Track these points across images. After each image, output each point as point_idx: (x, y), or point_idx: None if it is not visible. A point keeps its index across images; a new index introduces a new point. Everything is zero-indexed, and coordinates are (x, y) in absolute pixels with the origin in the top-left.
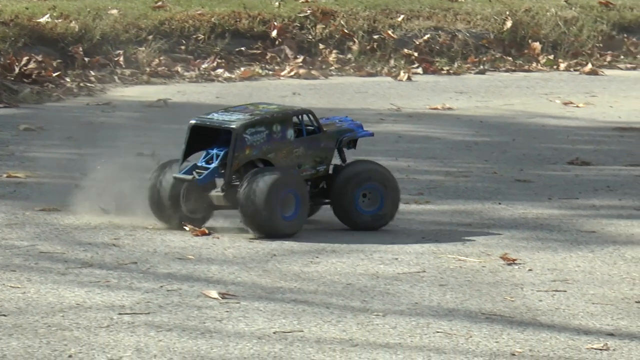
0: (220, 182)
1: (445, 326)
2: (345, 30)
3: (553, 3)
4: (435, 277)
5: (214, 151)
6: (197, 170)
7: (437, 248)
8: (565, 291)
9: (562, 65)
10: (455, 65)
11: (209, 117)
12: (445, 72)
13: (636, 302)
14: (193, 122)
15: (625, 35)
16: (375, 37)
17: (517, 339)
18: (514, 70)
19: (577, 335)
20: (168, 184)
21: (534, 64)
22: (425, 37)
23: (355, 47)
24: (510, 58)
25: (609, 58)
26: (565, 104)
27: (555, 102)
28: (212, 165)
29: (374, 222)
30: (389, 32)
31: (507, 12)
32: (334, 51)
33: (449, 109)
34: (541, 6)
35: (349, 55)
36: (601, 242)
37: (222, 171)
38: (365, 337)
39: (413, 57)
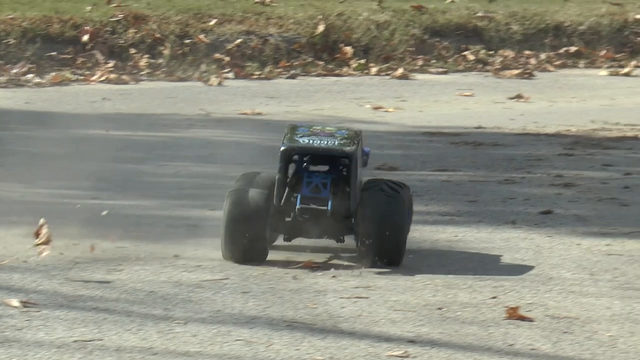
0: None
1: (246, 334)
2: (157, 35)
3: (366, 7)
4: (238, 285)
5: (317, 180)
6: (309, 200)
7: None
8: (367, 298)
9: (374, 70)
10: (267, 69)
11: (303, 142)
12: (256, 76)
13: (438, 308)
14: (286, 148)
15: (437, 39)
16: (187, 41)
17: (317, 346)
18: (325, 75)
19: (378, 342)
20: (262, 217)
21: (345, 69)
22: (237, 42)
23: (166, 52)
24: (321, 62)
25: (420, 62)
26: (375, 108)
27: (365, 106)
28: (327, 194)
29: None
30: (201, 36)
31: (320, 16)
32: (145, 56)
33: (259, 114)
34: (354, 10)
35: (160, 60)
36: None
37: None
38: (165, 346)
39: (224, 62)
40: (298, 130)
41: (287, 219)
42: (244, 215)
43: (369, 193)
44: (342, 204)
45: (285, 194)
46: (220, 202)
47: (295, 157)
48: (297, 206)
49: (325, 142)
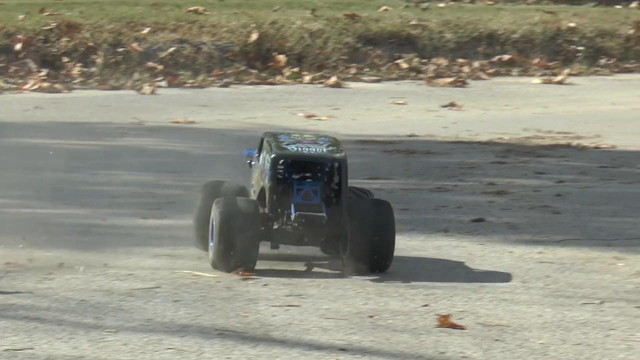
0: None
1: (177, 342)
2: (90, 43)
3: (299, 15)
4: (170, 293)
5: (307, 187)
6: (303, 207)
7: (173, 263)
8: (299, 306)
9: (307, 78)
10: (200, 78)
11: (292, 150)
12: (189, 85)
13: (369, 316)
14: (276, 155)
15: (370, 47)
16: (120, 50)
17: (248, 354)
18: (259, 84)
19: (309, 351)
20: (254, 225)
21: (279, 77)
22: (171, 50)
23: (99, 61)
24: (255, 71)
25: (353, 70)
26: (308, 117)
27: (298, 115)
28: (319, 200)
29: None
30: (134, 45)
31: (253, 25)
32: (78, 64)
33: (191, 122)
34: (287, 18)
35: (93, 69)
36: None
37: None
38: (96, 354)
39: (157, 71)
40: (280, 138)
41: (275, 227)
42: (237, 225)
43: (356, 199)
44: (334, 209)
45: (274, 202)
46: (153, 210)
47: (279, 165)
48: (294, 214)
49: (314, 149)
